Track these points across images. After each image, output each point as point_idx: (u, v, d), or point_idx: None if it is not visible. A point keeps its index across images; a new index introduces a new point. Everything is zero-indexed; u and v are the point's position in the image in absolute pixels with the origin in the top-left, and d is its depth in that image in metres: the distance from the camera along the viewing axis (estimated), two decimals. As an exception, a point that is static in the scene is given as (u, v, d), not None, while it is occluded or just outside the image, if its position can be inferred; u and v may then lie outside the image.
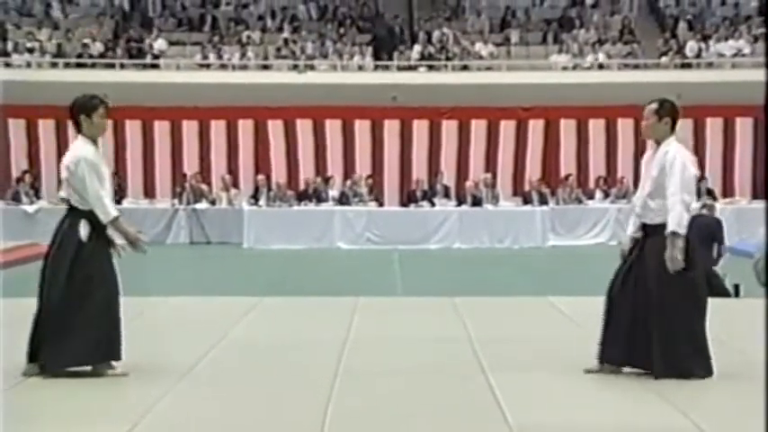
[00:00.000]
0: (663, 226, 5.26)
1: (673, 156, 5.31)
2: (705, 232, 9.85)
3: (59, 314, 5.23)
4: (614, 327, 5.38)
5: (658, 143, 5.42)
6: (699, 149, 20.45)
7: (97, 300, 5.26)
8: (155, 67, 20.68)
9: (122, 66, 20.48)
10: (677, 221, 5.19)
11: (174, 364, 5.70)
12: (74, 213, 5.35)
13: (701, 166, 20.40)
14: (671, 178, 5.25)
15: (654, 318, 5.25)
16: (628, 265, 5.43)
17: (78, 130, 5.44)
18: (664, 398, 4.87)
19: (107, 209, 5.28)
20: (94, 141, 5.44)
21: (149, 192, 20.29)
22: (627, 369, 5.42)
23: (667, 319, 5.22)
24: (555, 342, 6.55)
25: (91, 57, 20.52)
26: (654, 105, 5.47)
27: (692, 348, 5.27)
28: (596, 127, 20.86)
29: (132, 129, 20.39)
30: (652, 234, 5.33)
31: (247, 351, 6.28)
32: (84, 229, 5.28)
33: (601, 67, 20.99)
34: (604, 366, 5.45)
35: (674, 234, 5.19)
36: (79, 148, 5.38)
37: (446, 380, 5.41)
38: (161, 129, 20.59)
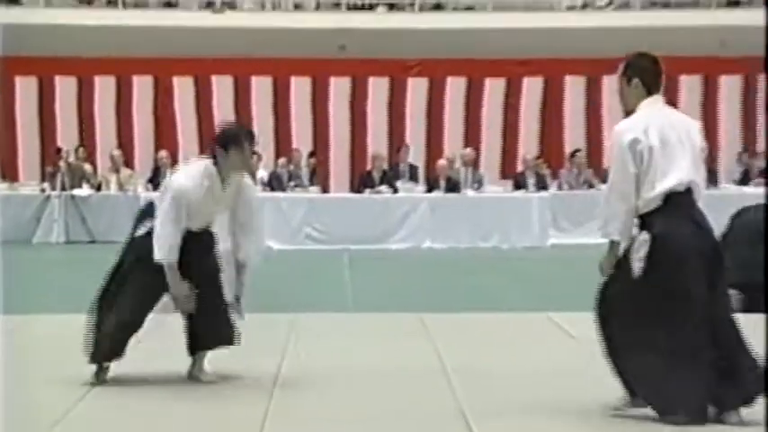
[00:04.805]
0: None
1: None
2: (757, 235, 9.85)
3: None
4: None
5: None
6: (748, 114, 20.64)
7: None
8: (14, 2, 20.37)
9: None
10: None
11: (32, 414, 5.48)
12: None
13: (753, 136, 20.57)
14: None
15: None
16: None
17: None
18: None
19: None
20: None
21: (8, 172, 20.01)
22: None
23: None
24: (559, 375, 6.51)
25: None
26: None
27: None
28: (612, 85, 20.90)
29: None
30: None
31: (134, 392, 6.23)
32: None
33: (619, 6, 21.07)
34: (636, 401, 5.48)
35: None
36: None
37: (412, 429, 5.34)
38: (24, 87, 20.34)
